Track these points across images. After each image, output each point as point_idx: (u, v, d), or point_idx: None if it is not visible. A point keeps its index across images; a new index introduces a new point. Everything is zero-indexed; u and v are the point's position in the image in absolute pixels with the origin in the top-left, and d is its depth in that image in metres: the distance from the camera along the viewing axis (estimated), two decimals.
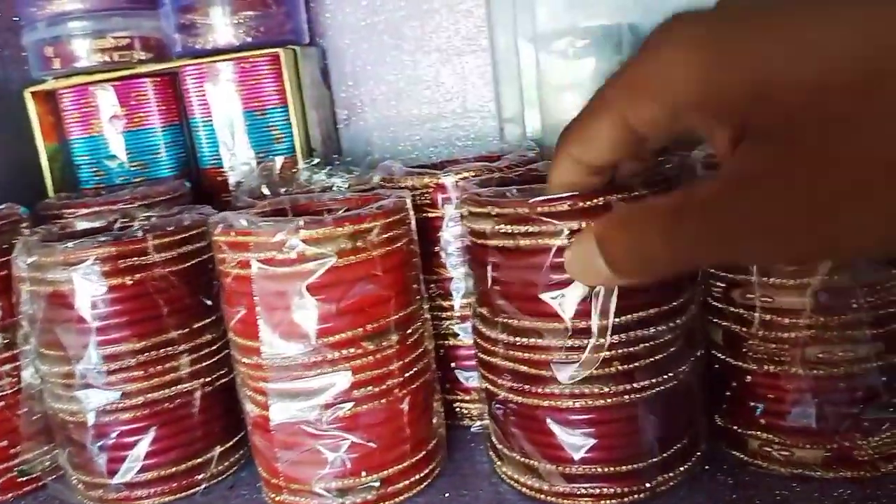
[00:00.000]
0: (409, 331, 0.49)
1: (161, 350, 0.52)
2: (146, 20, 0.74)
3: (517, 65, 0.77)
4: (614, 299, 0.41)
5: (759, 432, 0.48)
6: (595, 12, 0.75)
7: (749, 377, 0.47)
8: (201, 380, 0.54)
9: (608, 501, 0.45)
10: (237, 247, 0.46)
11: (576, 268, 0.37)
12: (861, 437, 0.46)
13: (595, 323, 0.42)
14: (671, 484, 0.46)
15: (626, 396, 0.43)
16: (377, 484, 0.48)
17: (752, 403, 0.48)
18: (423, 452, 0.51)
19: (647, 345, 0.43)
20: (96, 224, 0.58)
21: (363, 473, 0.48)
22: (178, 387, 0.53)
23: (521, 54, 0.77)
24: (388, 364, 0.48)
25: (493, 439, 0.50)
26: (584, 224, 0.40)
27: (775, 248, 0.26)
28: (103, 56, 0.73)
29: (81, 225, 0.59)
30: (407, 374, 0.49)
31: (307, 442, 0.47)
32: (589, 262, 0.34)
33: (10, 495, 0.56)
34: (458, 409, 0.60)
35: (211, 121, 0.73)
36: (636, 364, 0.43)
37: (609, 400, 0.43)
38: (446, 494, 0.51)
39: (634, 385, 0.43)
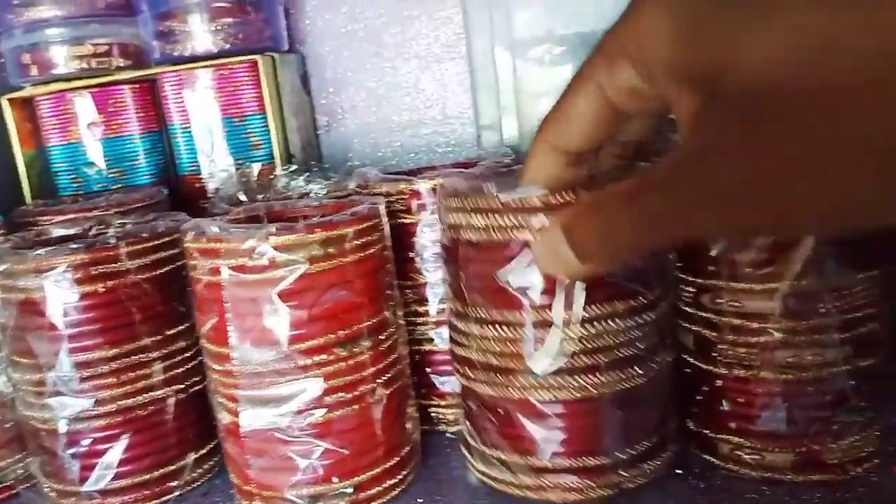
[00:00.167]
0: (383, 337, 0.49)
1: (134, 357, 0.52)
2: (124, 27, 0.74)
3: (494, 72, 0.77)
4: (582, 292, 0.41)
5: (729, 436, 0.48)
6: (572, 20, 0.75)
7: (719, 381, 0.48)
8: (175, 387, 0.54)
9: (575, 495, 0.45)
10: (208, 253, 0.46)
11: (544, 258, 0.37)
12: (831, 441, 0.46)
13: (562, 315, 0.42)
14: (638, 481, 0.46)
15: (594, 390, 0.43)
16: (350, 490, 0.48)
17: (723, 407, 0.48)
18: (397, 458, 0.51)
19: (615, 339, 0.43)
20: (72, 231, 0.58)
21: (335, 480, 0.48)
22: (151, 394, 0.52)
23: (499, 61, 0.77)
24: (361, 370, 0.48)
25: (465, 434, 0.50)
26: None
27: (731, 220, 0.27)
28: (81, 63, 0.73)
29: (57, 232, 0.58)
30: (380, 380, 0.49)
31: (279, 448, 0.47)
32: (556, 252, 0.34)
33: None
34: (433, 415, 0.60)
35: (189, 127, 0.73)
36: (603, 358, 0.43)
37: (576, 393, 0.43)
38: (420, 500, 0.51)
39: (601, 379, 0.43)
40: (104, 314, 0.50)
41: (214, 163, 0.73)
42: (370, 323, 0.48)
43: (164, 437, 0.54)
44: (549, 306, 0.42)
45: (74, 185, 0.75)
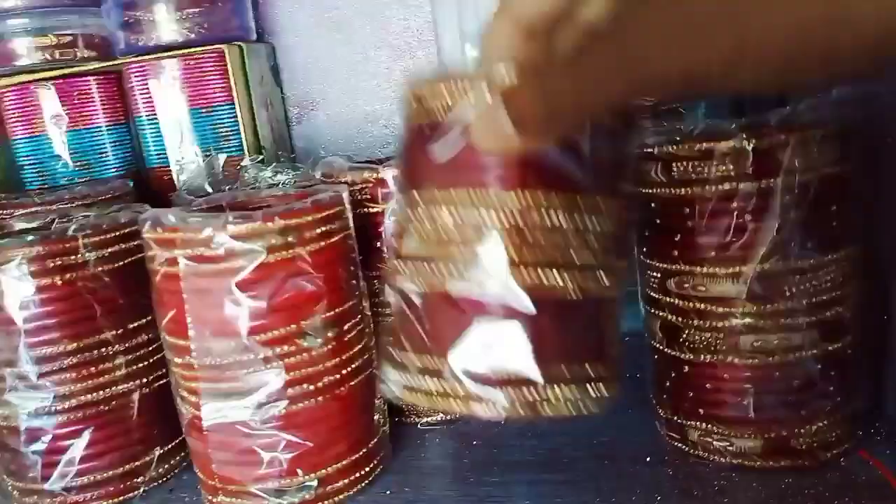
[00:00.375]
0: (346, 327, 0.48)
1: (95, 351, 0.51)
2: (89, 17, 0.73)
3: (463, 63, 0.76)
4: (512, 167, 0.36)
5: (698, 422, 0.48)
6: None
7: (686, 367, 0.47)
8: (138, 381, 0.53)
9: (487, 409, 0.37)
10: (165, 244, 0.45)
11: (480, 131, 0.34)
12: (799, 426, 0.45)
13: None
14: (564, 409, 0.38)
15: (517, 288, 0.37)
16: (315, 483, 0.48)
17: (691, 393, 0.47)
18: (364, 450, 0.50)
19: (543, 234, 0.37)
20: (33, 224, 0.57)
21: (300, 473, 0.47)
22: (114, 388, 0.52)
23: (467, 52, 0.76)
24: (324, 361, 0.47)
25: (387, 346, 0.42)
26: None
27: (681, 58, 0.27)
28: (44, 54, 0.71)
29: (19, 225, 0.57)
30: (344, 371, 0.48)
31: (242, 442, 0.47)
32: (494, 122, 0.32)
33: None
34: (404, 406, 0.59)
35: (156, 119, 0.72)
36: (530, 254, 0.37)
37: (494, 288, 0.37)
38: (388, 492, 0.50)
39: (528, 279, 0.37)
40: (63, 307, 0.50)
41: (182, 155, 0.71)
42: (332, 313, 0.47)
43: (128, 432, 0.53)
44: (483, 184, 0.37)
45: (40, 178, 0.73)
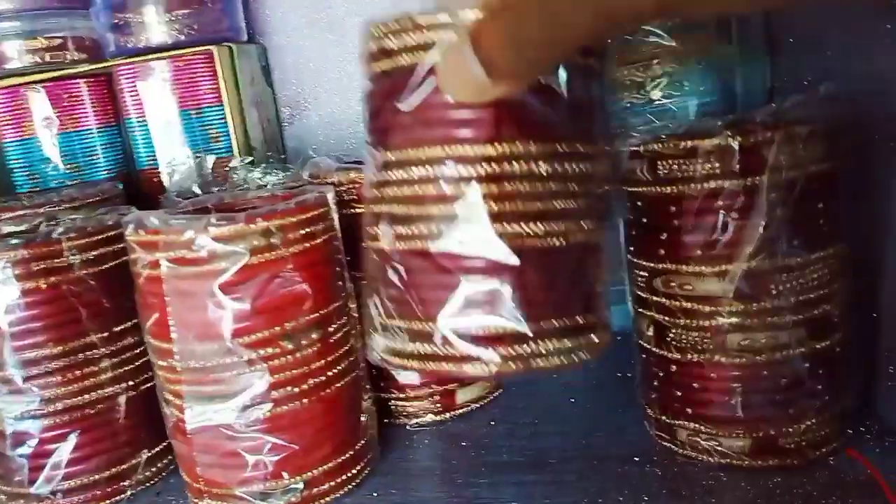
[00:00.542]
0: (332, 329, 0.48)
1: (80, 355, 0.50)
2: (79, 20, 0.73)
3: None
4: (488, 118, 0.35)
5: (686, 422, 0.47)
6: None
7: (674, 367, 0.47)
8: (124, 384, 0.53)
9: (475, 367, 0.37)
10: (147, 246, 0.45)
11: (449, 77, 0.33)
12: (787, 425, 0.45)
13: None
14: (551, 361, 0.37)
15: (500, 241, 0.36)
16: (300, 486, 0.47)
17: (679, 393, 0.47)
18: (350, 452, 0.50)
19: (523, 184, 0.36)
20: (21, 227, 0.57)
21: (286, 476, 0.47)
22: (100, 392, 0.51)
23: None
24: (309, 363, 0.47)
25: (370, 310, 0.41)
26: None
27: None
28: (34, 57, 0.71)
29: (6, 228, 0.57)
30: (330, 373, 0.48)
31: (226, 445, 0.46)
32: (463, 66, 0.31)
33: None
34: (393, 407, 0.59)
35: (146, 121, 0.72)
36: (514, 207, 0.36)
37: (476, 243, 0.36)
38: (375, 494, 0.50)
39: (510, 229, 0.35)
40: (48, 311, 0.49)
41: (172, 157, 0.71)
42: (318, 315, 0.47)
43: (115, 435, 0.53)
44: (458, 139, 0.35)
45: (31, 181, 0.73)
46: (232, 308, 0.44)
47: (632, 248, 0.48)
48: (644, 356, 0.49)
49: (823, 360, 0.44)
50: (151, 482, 0.54)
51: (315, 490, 0.48)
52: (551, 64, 0.34)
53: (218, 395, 0.46)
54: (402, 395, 0.58)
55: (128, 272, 0.49)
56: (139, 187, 0.74)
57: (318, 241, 0.47)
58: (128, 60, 0.71)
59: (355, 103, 0.82)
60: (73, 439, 0.51)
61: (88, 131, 0.74)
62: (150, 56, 0.70)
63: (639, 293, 0.48)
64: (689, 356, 0.46)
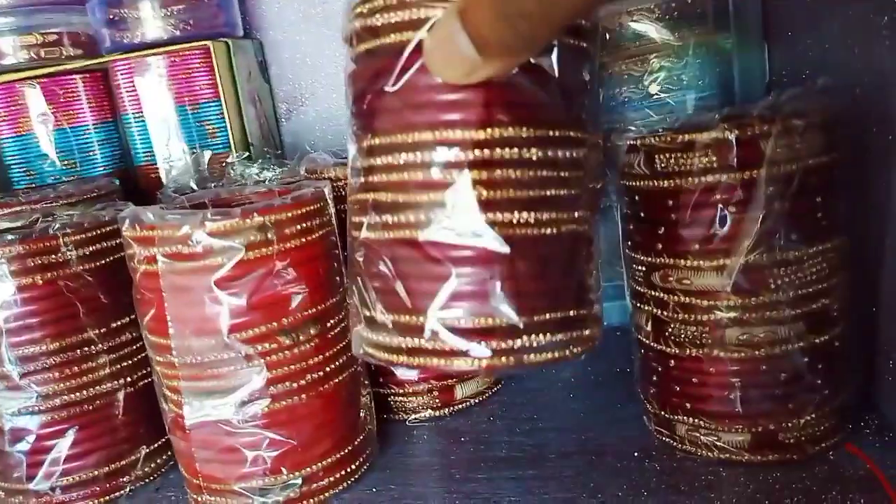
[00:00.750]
0: (330, 324, 0.48)
1: (78, 350, 0.50)
2: (74, 15, 0.72)
3: None
4: (478, 101, 0.33)
5: (685, 417, 0.47)
6: None
7: (673, 361, 0.47)
8: (122, 380, 0.52)
9: (465, 362, 0.35)
10: (144, 241, 0.45)
11: (437, 55, 0.31)
12: (786, 420, 0.45)
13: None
14: (544, 356, 0.36)
15: (491, 229, 0.34)
16: (299, 482, 0.47)
17: (678, 388, 0.47)
18: (349, 448, 0.50)
19: (514, 171, 0.34)
20: (17, 223, 0.56)
21: (284, 471, 0.47)
22: (98, 388, 0.51)
23: None
24: (307, 359, 0.47)
25: (354, 303, 0.40)
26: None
27: None
28: (30, 53, 0.71)
29: (3, 225, 0.57)
30: (328, 369, 0.48)
31: (224, 440, 0.46)
32: (452, 44, 0.29)
33: None
34: (392, 403, 0.59)
35: (143, 117, 0.71)
36: (505, 194, 0.34)
37: (467, 232, 0.34)
38: (374, 489, 0.50)
39: (499, 217, 0.34)
40: (45, 307, 0.49)
41: (169, 152, 0.71)
42: (315, 310, 0.47)
43: (114, 431, 0.53)
44: (447, 123, 0.34)
45: (28, 178, 0.73)
46: (228, 303, 0.44)
47: (629, 243, 0.48)
48: (642, 351, 0.49)
49: (822, 354, 0.44)
50: (150, 478, 0.54)
51: (314, 485, 0.48)
52: (545, 39, 0.32)
53: (216, 391, 0.45)
54: (400, 391, 0.58)
55: (125, 268, 0.49)
56: (136, 183, 0.74)
57: (315, 236, 0.47)
58: (124, 56, 0.71)
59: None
60: (71, 435, 0.51)
61: (85, 127, 0.74)
62: (146, 51, 0.70)
63: (637, 288, 0.48)
64: (688, 351, 0.45)
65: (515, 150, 0.34)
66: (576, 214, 0.37)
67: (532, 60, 0.33)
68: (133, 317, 0.52)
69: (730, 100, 0.62)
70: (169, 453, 0.55)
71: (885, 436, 0.47)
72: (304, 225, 0.46)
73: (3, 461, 0.51)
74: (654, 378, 0.49)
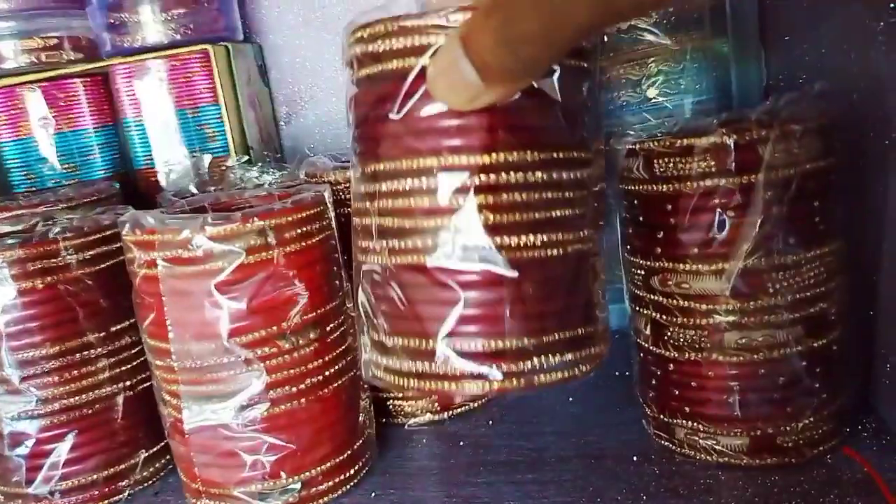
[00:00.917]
0: (329, 328, 0.48)
1: (77, 354, 0.50)
2: (75, 19, 0.73)
3: None
4: (482, 126, 0.34)
5: (684, 420, 0.47)
6: None
7: (672, 365, 0.47)
8: (122, 384, 0.53)
9: (477, 385, 0.36)
10: (144, 246, 0.45)
11: (440, 82, 0.31)
12: (785, 424, 0.45)
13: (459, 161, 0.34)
14: (554, 377, 0.37)
15: (498, 253, 0.35)
16: (298, 486, 0.47)
17: (677, 392, 0.47)
18: (348, 452, 0.50)
19: (520, 194, 0.35)
20: (17, 227, 0.56)
21: (283, 475, 0.47)
22: (97, 391, 0.51)
23: None
24: (306, 363, 0.47)
25: (362, 327, 0.40)
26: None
27: None
28: (31, 57, 0.71)
29: (3, 229, 0.57)
30: (327, 373, 0.48)
31: (223, 445, 0.46)
32: (455, 71, 0.29)
33: None
34: (391, 407, 0.59)
35: (142, 120, 0.72)
36: (512, 218, 0.35)
37: (474, 256, 0.35)
38: (374, 494, 0.50)
39: (508, 242, 0.35)
40: (45, 311, 0.49)
41: (169, 156, 0.71)
42: (315, 314, 0.47)
43: (113, 435, 0.53)
44: (452, 149, 0.34)
45: (28, 181, 0.73)
46: (228, 307, 0.44)
47: (628, 247, 0.48)
48: (642, 355, 0.49)
49: (821, 358, 0.44)
50: (149, 482, 0.54)
51: (313, 490, 0.48)
52: (547, 63, 0.32)
53: (215, 395, 0.46)
54: (399, 395, 0.58)
55: (125, 271, 0.49)
56: (136, 187, 0.74)
57: (315, 240, 0.47)
58: (124, 60, 0.71)
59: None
60: (70, 439, 0.51)
61: (85, 131, 0.74)
62: (146, 55, 0.70)
63: (636, 291, 0.48)
64: (687, 355, 0.46)
65: (520, 173, 0.34)
66: (581, 234, 0.37)
67: (534, 84, 0.33)
68: (132, 321, 0.52)
69: (727, 104, 0.62)
70: (168, 457, 0.55)
71: (883, 439, 0.47)
72: (305, 229, 0.46)
73: (2, 465, 0.51)
74: (653, 382, 0.49)
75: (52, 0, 0.72)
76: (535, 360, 0.36)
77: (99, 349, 0.51)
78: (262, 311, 0.45)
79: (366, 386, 0.52)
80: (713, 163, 0.42)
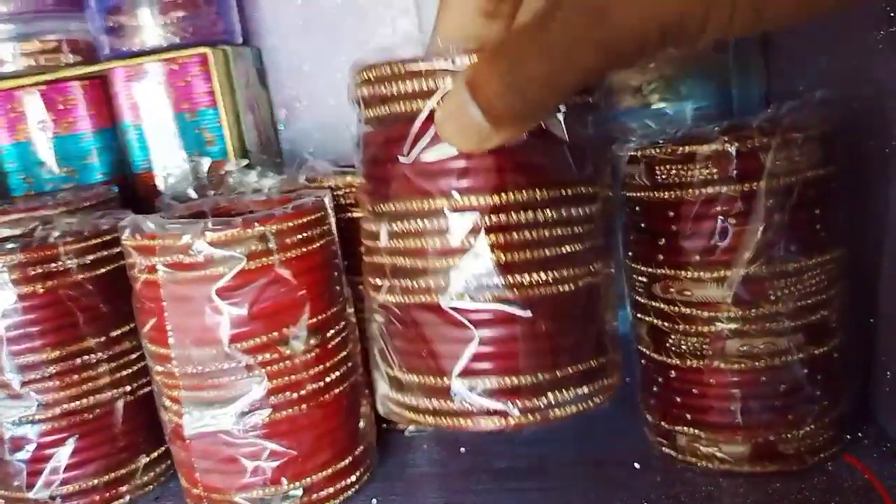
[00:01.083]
0: (330, 334, 0.48)
1: (78, 359, 0.50)
2: (73, 22, 0.72)
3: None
4: (491, 167, 0.35)
5: (686, 427, 0.47)
6: None
7: (673, 372, 0.47)
8: (122, 389, 0.52)
9: (493, 421, 0.37)
10: (144, 251, 0.45)
11: (448, 126, 0.32)
12: (786, 431, 0.45)
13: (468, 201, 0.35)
14: (569, 410, 0.38)
15: (511, 293, 0.36)
16: (299, 492, 0.47)
17: (678, 399, 0.47)
18: (349, 458, 0.50)
19: (531, 233, 0.36)
20: (16, 231, 0.56)
21: (285, 481, 0.47)
22: (98, 396, 0.51)
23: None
24: (307, 369, 0.47)
25: (376, 361, 0.41)
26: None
27: (653, 7, 0.25)
28: (29, 60, 0.71)
29: (2, 232, 0.57)
30: (328, 379, 0.48)
31: (225, 451, 0.46)
32: (463, 114, 0.30)
33: None
34: None
35: (141, 124, 0.71)
36: (523, 256, 0.36)
37: (487, 296, 0.36)
38: (374, 500, 0.50)
39: (520, 280, 0.36)
40: (45, 315, 0.49)
41: (167, 160, 0.71)
42: (315, 320, 0.47)
43: (113, 440, 0.52)
44: (463, 190, 0.35)
45: (26, 185, 0.73)
46: (229, 313, 0.44)
47: (630, 254, 0.48)
48: (643, 362, 0.49)
49: (822, 365, 0.45)
50: (149, 487, 0.54)
51: (314, 496, 0.48)
52: (554, 106, 0.33)
53: (216, 401, 0.45)
54: None
55: (125, 276, 0.49)
56: (134, 190, 0.74)
57: (316, 245, 0.47)
58: (122, 63, 0.70)
59: (350, 106, 0.82)
60: (71, 444, 0.51)
61: (83, 134, 0.73)
62: (144, 59, 0.70)
63: (637, 298, 0.48)
64: (689, 362, 0.46)
65: (530, 212, 0.35)
66: (591, 267, 0.38)
67: (542, 124, 0.34)
68: (133, 326, 0.52)
69: (728, 111, 0.62)
70: (168, 463, 0.55)
71: (883, 446, 0.47)
72: (306, 234, 0.46)
73: (2, 470, 0.51)
74: (655, 389, 0.49)
75: (51, 3, 0.71)
76: (550, 395, 0.37)
77: (99, 354, 0.51)
78: (263, 317, 0.45)
79: (367, 392, 0.52)
80: (715, 170, 0.42)
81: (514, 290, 0.36)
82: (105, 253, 0.51)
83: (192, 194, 0.61)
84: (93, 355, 0.51)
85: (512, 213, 0.35)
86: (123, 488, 0.53)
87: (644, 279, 0.47)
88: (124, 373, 0.53)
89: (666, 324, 0.46)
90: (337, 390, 0.48)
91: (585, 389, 0.38)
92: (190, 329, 0.45)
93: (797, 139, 0.41)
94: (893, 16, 0.43)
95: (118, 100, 0.72)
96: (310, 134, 0.83)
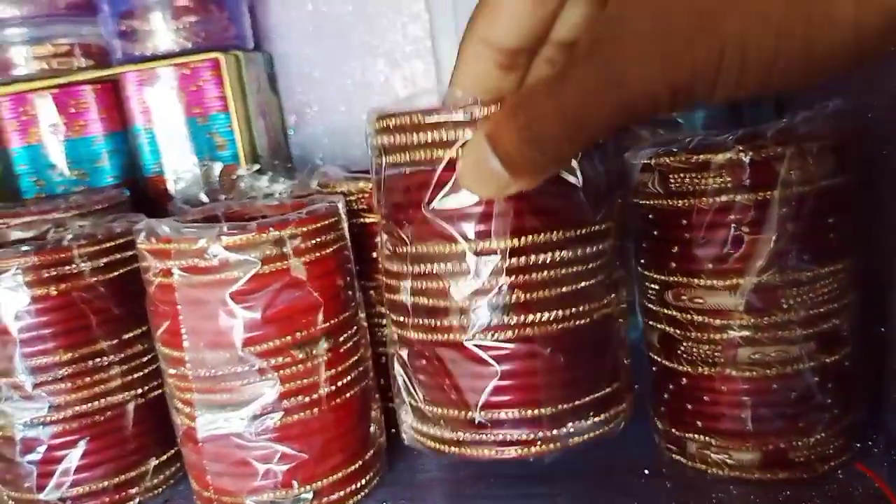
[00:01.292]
0: (342, 338, 0.48)
1: (90, 362, 0.51)
2: (86, 26, 0.73)
3: None
4: (510, 212, 0.37)
5: (696, 435, 0.47)
6: None
7: (684, 379, 0.47)
8: (133, 391, 0.53)
9: (514, 450, 0.40)
10: (159, 254, 0.45)
11: (469, 176, 0.33)
12: (797, 439, 0.45)
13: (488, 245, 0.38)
14: (586, 437, 0.42)
15: (530, 330, 0.38)
16: (310, 495, 0.47)
17: (689, 406, 0.47)
18: (360, 463, 0.50)
19: (553, 273, 0.38)
20: (29, 234, 0.57)
21: (295, 485, 0.47)
22: (109, 399, 0.51)
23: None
24: (319, 373, 0.47)
25: (400, 392, 0.45)
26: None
27: (667, 67, 0.26)
28: (42, 63, 0.71)
29: (14, 235, 0.57)
30: (340, 383, 0.48)
31: (237, 454, 0.46)
32: (483, 165, 0.31)
33: None
34: None
35: (152, 128, 0.72)
36: (541, 295, 0.38)
37: (511, 333, 0.38)
38: None
39: (539, 317, 0.38)
40: (58, 318, 0.49)
41: (178, 164, 0.71)
42: (328, 325, 0.47)
43: (124, 442, 0.53)
44: (483, 234, 0.38)
45: (37, 187, 0.73)
46: (243, 317, 0.44)
47: (642, 261, 0.48)
48: (654, 369, 0.49)
49: (833, 373, 0.45)
50: (159, 489, 0.54)
51: (324, 500, 0.48)
52: (571, 156, 0.35)
53: (229, 404, 0.46)
54: None
55: (137, 279, 0.49)
56: (145, 194, 0.74)
57: (330, 250, 0.47)
58: (135, 67, 0.71)
59: (360, 111, 0.82)
60: (82, 446, 0.51)
61: (94, 138, 0.74)
62: (156, 63, 0.70)
63: (649, 306, 0.48)
64: (700, 369, 0.46)
65: (548, 253, 0.38)
66: (606, 300, 0.41)
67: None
68: (144, 328, 0.52)
69: (738, 118, 0.63)
70: (179, 465, 0.55)
71: (894, 455, 0.47)
72: (319, 239, 0.46)
73: (13, 471, 0.51)
74: (665, 396, 0.49)
75: (64, 7, 0.72)
76: (570, 424, 0.40)
77: (111, 356, 0.51)
78: (277, 321, 0.45)
79: (377, 396, 0.52)
80: (729, 179, 0.42)
81: (535, 327, 0.38)
82: (118, 256, 0.52)
83: (203, 198, 0.61)
84: (105, 358, 0.51)
85: (530, 254, 0.38)
86: (133, 490, 0.53)
87: (656, 286, 0.47)
88: (136, 375, 0.53)
89: (677, 331, 0.46)
90: (348, 394, 0.48)
91: (602, 416, 0.41)
92: (204, 332, 0.45)
93: (811, 149, 0.42)
94: None
95: (130, 104, 0.72)
96: (319, 139, 0.84)
